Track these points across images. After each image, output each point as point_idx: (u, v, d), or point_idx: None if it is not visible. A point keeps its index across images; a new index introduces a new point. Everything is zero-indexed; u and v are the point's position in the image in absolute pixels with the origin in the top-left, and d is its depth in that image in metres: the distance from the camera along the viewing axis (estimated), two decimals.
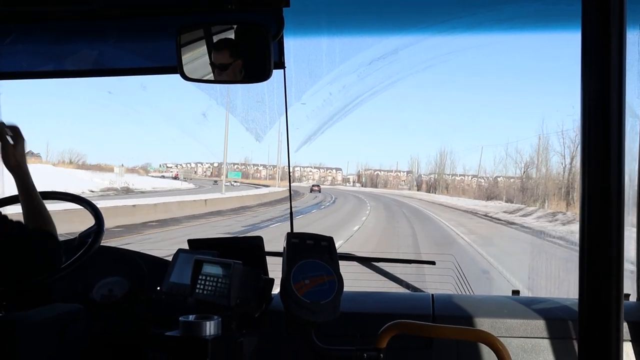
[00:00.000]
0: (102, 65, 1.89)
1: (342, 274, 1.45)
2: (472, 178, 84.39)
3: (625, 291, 1.55)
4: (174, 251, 1.68)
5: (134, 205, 19.48)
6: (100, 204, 1.64)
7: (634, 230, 1.87)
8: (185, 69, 1.59)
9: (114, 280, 1.80)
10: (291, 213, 1.90)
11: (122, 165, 51.07)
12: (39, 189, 1.62)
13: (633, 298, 1.95)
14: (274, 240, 2.34)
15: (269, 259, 1.79)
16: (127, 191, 39.31)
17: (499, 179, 67.38)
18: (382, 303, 1.90)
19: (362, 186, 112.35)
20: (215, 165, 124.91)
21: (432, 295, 1.90)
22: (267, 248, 1.82)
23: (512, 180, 60.52)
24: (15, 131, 1.55)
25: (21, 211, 1.59)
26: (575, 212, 27.42)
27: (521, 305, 1.84)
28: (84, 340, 1.58)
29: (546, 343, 1.72)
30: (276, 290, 1.53)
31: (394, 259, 2.32)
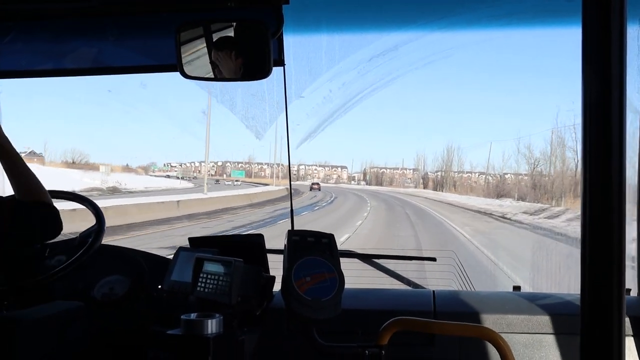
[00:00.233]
0: (102, 64, 1.88)
1: (343, 271, 1.45)
2: (479, 175, 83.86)
3: (627, 286, 1.55)
4: None
5: (73, 209, 18.14)
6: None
7: (635, 225, 1.88)
8: (185, 66, 1.59)
9: (115, 278, 1.80)
10: (292, 210, 1.90)
11: (109, 164, 50.82)
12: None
13: (634, 293, 1.95)
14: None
15: (270, 256, 1.79)
16: (113, 191, 37.61)
17: (506, 175, 67.09)
18: (383, 300, 1.90)
19: (367, 184, 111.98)
20: (220, 164, 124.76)
21: (434, 291, 1.90)
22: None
23: (520, 177, 59.69)
24: None
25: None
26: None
27: (523, 301, 1.84)
28: (84, 338, 1.59)
29: (548, 338, 1.71)
30: (277, 287, 1.53)
31: (395, 255, 2.32)
